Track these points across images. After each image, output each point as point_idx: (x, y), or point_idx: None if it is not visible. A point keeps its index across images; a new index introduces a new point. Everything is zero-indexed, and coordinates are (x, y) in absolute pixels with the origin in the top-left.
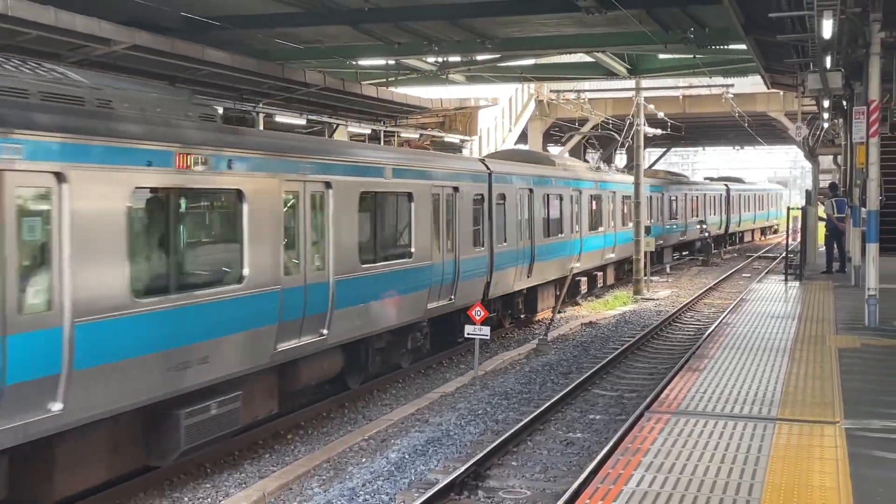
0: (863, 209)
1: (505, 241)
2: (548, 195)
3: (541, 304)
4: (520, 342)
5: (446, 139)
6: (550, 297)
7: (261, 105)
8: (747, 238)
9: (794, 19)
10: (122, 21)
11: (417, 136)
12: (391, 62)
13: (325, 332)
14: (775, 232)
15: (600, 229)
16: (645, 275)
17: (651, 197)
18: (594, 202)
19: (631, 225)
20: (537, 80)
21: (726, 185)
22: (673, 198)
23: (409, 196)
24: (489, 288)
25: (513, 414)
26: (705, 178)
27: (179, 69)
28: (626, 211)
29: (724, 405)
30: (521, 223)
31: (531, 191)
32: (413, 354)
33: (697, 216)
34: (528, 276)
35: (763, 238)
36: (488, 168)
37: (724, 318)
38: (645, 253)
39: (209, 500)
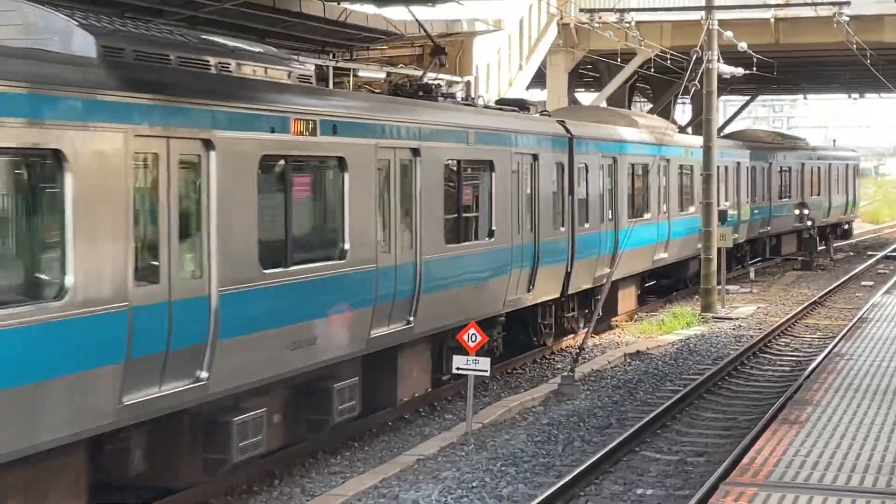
0: None
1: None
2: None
3: None
4: (533, 381)
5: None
6: None
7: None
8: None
9: None
10: None
11: (384, 75)
12: None
13: None
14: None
15: None
16: (719, 283)
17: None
18: None
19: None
20: None
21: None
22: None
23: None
24: None
25: (523, 487)
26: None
27: None
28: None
29: (835, 474)
30: None
31: None
32: None
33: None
34: None
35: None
36: None
37: (834, 348)
38: (718, 250)
39: None
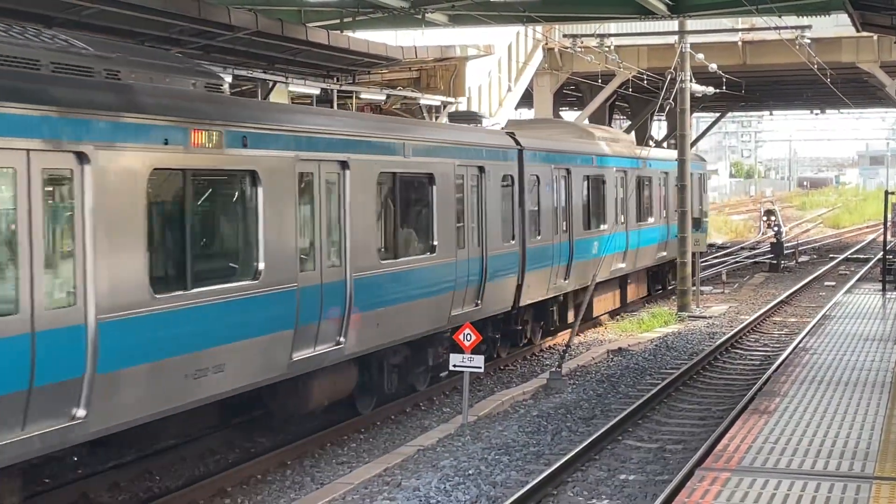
0: None
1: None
2: None
3: None
4: (524, 377)
5: (423, 101)
6: None
7: None
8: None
9: None
10: None
11: (384, 97)
12: None
13: None
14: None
15: None
16: (693, 284)
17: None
18: None
19: None
20: (546, 20)
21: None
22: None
23: None
24: None
25: (515, 474)
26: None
27: (58, 7)
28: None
29: (801, 459)
30: None
31: None
32: None
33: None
34: None
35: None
36: None
37: (800, 343)
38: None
39: None
